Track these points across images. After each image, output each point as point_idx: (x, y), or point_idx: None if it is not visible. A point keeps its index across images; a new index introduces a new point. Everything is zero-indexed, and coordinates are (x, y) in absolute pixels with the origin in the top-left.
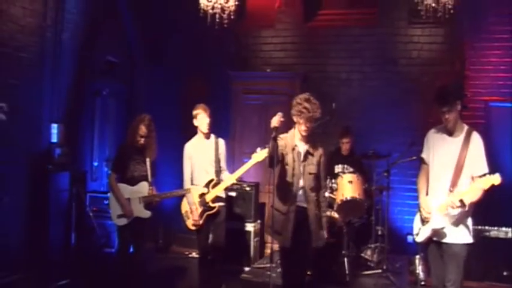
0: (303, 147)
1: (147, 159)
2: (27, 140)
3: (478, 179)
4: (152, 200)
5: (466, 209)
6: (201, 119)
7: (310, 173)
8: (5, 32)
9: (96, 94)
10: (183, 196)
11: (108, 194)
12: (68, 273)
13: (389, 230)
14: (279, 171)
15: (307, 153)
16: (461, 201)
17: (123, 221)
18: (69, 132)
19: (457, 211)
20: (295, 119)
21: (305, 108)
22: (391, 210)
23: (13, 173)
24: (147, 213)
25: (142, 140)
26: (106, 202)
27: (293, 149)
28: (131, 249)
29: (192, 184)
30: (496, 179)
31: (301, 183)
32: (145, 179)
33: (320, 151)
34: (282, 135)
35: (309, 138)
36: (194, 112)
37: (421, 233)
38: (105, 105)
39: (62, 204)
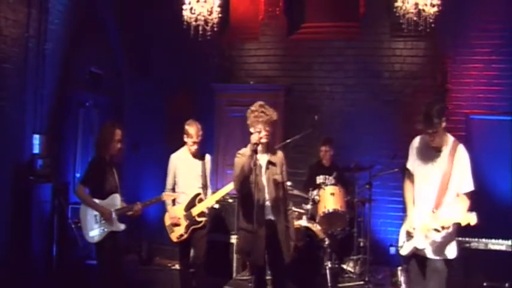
0: (264, 158)
1: (114, 169)
2: (9, 151)
3: (462, 196)
4: (126, 212)
5: (450, 230)
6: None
7: (275, 183)
8: None
9: (79, 105)
10: (159, 202)
11: (81, 212)
12: (49, 285)
13: (372, 241)
14: (241, 188)
15: (269, 163)
16: (442, 227)
17: (98, 238)
18: (51, 144)
19: (439, 236)
20: (253, 128)
21: (262, 112)
22: (374, 222)
23: None
24: (121, 226)
25: (119, 145)
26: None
27: (254, 164)
28: (112, 264)
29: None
30: (472, 219)
31: (266, 195)
32: (116, 191)
33: (280, 156)
34: (240, 151)
35: (268, 147)
36: (187, 128)
37: (404, 247)
38: (89, 116)
39: (43, 216)
